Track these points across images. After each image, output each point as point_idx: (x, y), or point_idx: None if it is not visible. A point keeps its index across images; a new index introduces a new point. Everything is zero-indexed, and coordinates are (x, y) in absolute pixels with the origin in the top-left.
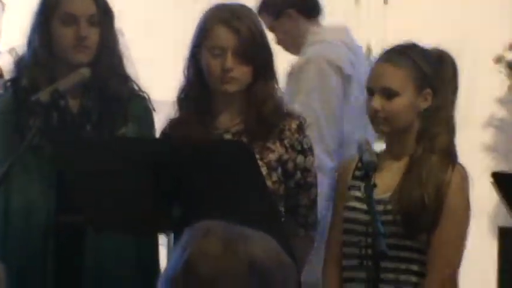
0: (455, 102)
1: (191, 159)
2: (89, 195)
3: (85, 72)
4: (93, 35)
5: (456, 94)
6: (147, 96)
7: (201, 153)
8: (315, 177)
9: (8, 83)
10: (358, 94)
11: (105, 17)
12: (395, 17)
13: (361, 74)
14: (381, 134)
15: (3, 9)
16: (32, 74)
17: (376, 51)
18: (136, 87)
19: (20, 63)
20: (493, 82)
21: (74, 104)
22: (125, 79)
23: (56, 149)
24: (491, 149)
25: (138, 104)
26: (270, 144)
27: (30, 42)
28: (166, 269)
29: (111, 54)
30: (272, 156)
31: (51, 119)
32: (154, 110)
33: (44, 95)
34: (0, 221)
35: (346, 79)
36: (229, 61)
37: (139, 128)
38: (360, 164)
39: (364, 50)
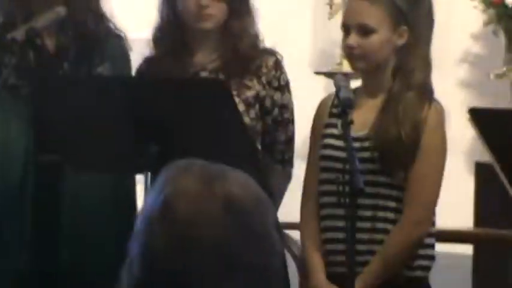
0: (431, 38)
1: (168, 97)
2: (66, 134)
3: (61, 10)
4: None
5: (432, 30)
6: (123, 35)
7: (177, 91)
8: (292, 113)
9: None
10: None
11: None
12: None
13: None
14: (357, 71)
15: None
16: (7, 12)
17: None
18: (112, 26)
19: None
20: (468, 18)
21: (50, 43)
22: (101, 18)
23: (33, 88)
24: (467, 84)
25: (115, 43)
26: (247, 81)
27: None
28: (143, 208)
29: None
30: (249, 93)
31: (27, 57)
32: (131, 50)
33: (19, 33)
34: None
35: None
36: None
37: (116, 67)
38: (336, 101)
39: None
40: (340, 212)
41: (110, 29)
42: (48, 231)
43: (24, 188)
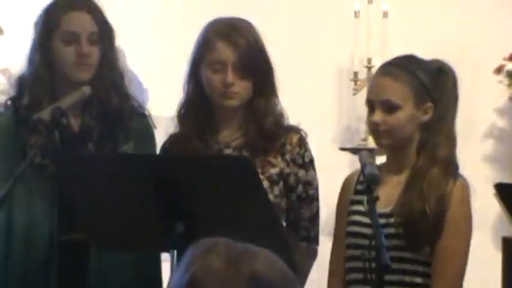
0: (455, 113)
1: (193, 175)
2: (91, 213)
3: (86, 90)
4: (94, 53)
5: (456, 105)
6: (147, 113)
7: (202, 168)
8: (316, 190)
9: (9, 102)
10: None
11: (105, 35)
12: (395, 30)
13: None
14: (382, 148)
15: (1, 34)
16: (33, 92)
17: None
18: (136, 104)
19: (21, 82)
20: (493, 92)
21: (75, 122)
22: (126, 96)
23: (59, 167)
24: (492, 159)
25: (139, 122)
26: (271, 159)
27: (30, 61)
28: (169, 286)
29: (112, 72)
30: (273, 171)
31: (52, 138)
32: (155, 127)
33: (45, 114)
34: (2, 241)
35: None
36: (230, 76)
37: (140, 145)
38: (361, 178)
39: (365, 63)
40: None
41: (133, 107)
42: None
43: (50, 267)
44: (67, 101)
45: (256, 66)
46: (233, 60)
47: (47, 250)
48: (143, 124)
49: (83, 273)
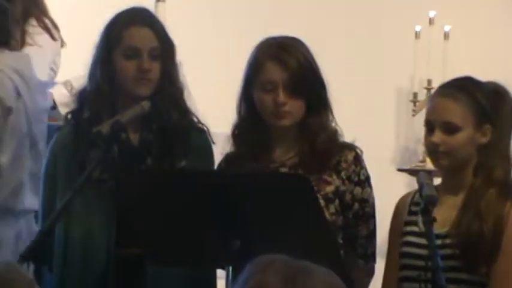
0: (510, 136)
1: (250, 192)
2: (148, 228)
3: (145, 105)
4: (154, 68)
5: (511, 128)
6: (206, 129)
7: (260, 186)
8: (373, 207)
9: (69, 115)
10: (22, 126)
11: (166, 50)
12: (456, 51)
13: (29, 106)
14: (440, 168)
15: (62, 46)
16: (94, 106)
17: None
18: (195, 120)
19: (82, 95)
20: None
21: (134, 137)
22: (185, 112)
23: (118, 182)
24: None
25: (198, 137)
26: (326, 177)
27: (92, 75)
28: None
29: (172, 87)
30: (329, 189)
31: (112, 152)
32: (213, 143)
33: (104, 127)
34: (60, 254)
35: (6, 111)
36: (281, 96)
37: (199, 160)
38: (416, 199)
39: (425, 84)
40: None
41: (193, 123)
42: None
43: (107, 281)
44: (126, 115)
45: (307, 85)
46: (283, 80)
47: (103, 264)
48: (202, 140)
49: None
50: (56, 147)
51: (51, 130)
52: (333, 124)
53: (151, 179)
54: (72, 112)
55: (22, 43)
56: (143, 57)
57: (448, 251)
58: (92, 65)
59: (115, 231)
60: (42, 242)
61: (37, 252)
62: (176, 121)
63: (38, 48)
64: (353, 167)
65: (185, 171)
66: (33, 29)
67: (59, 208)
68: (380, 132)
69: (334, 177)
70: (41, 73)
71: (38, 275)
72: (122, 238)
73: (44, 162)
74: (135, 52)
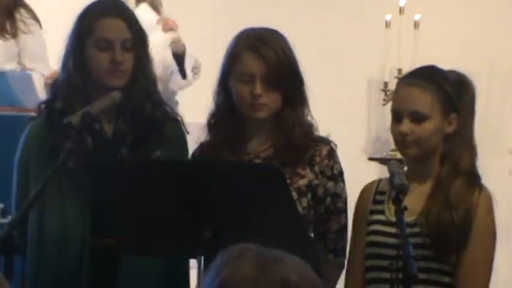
0: (473, 124)
1: (223, 182)
2: (121, 218)
3: (116, 95)
4: (127, 60)
5: (474, 117)
6: (180, 119)
7: (233, 175)
8: (345, 203)
9: (43, 105)
10: None
11: (139, 41)
12: (426, 40)
13: None
14: (408, 158)
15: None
16: (67, 97)
17: None
18: (169, 110)
19: (55, 86)
20: None
21: (108, 128)
22: (159, 102)
23: (93, 173)
24: None
25: (172, 127)
26: (300, 170)
27: (64, 66)
28: None
29: (145, 78)
30: (302, 182)
31: (85, 143)
32: (187, 133)
33: (75, 118)
34: (34, 244)
35: None
36: (258, 88)
37: (173, 151)
38: (380, 188)
39: (395, 73)
40: None
41: (167, 113)
42: None
43: (81, 271)
44: (97, 106)
45: (285, 78)
46: (261, 72)
47: (78, 254)
48: (176, 130)
49: (114, 278)
50: (28, 137)
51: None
52: (309, 118)
53: (123, 169)
54: (45, 102)
55: (15, 31)
56: (116, 49)
57: (417, 240)
58: (64, 55)
59: (89, 222)
60: (12, 233)
61: (7, 244)
62: (150, 112)
63: (33, 36)
64: (326, 161)
65: (157, 161)
66: (24, 17)
67: (29, 199)
68: (351, 121)
69: (308, 170)
70: (43, 58)
71: (9, 267)
72: (97, 228)
73: (17, 151)
74: (108, 44)
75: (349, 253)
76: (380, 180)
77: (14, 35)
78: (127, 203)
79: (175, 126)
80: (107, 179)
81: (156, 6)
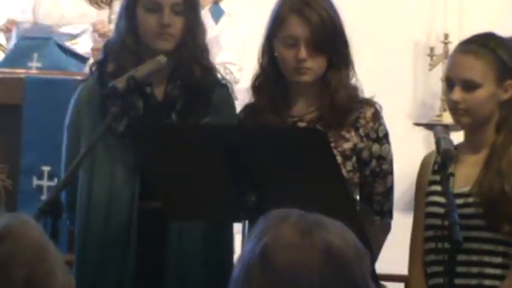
0: None
1: (267, 146)
2: (167, 183)
3: (161, 59)
4: (177, 24)
5: None
6: (229, 86)
7: (276, 139)
8: (391, 164)
9: (94, 67)
10: None
11: (189, 6)
12: (473, 5)
13: None
14: (461, 126)
15: None
16: (118, 59)
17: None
18: (219, 76)
19: (107, 48)
20: None
21: (158, 92)
22: (208, 68)
23: (140, 137)
24: None
25: (221, 94)
26: (344, 133)
27: (116, 27)
28: (241, 257)
29: (194, 44)
30: (347, 145)
31: (135, 106)
32: (236, 99)
33: (120, 82)
34: (83, 207)
35: None
36: (303, 52)
37: (222, 117)
38: (439, 158)
39: (442, 38)
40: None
41: (216, 79)
42: (150, 275)
43: (129, 234)
44: (142, 70)
45: (330, 42)
46: (306, 36)
47: (127, 218)
48: (225, 96)
49: (161, 241)
50: (80, 99)
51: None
52: (354, 80)
53: (169, 134)
54: (97, 64)
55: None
56: (164, 11)
57: (470, 210)
58: (117, 16)
59: (139, 185)
60: (59, 195)
61: (54, 206)
62: (199, 78)
63: None
64: (371, 123)
65: (202, 125)
66: None
67: (76, 161)
68: (397, 86)
69: (353, 133)
70: None
71: (56, 229)
72: (145, 192)
73: (68, 114)
74: (157, 6)
75: (412, 225)
76: None
77: (109, 4)
78: (174, 167)
79: (223, 93)
80: (154, 144)
81: None
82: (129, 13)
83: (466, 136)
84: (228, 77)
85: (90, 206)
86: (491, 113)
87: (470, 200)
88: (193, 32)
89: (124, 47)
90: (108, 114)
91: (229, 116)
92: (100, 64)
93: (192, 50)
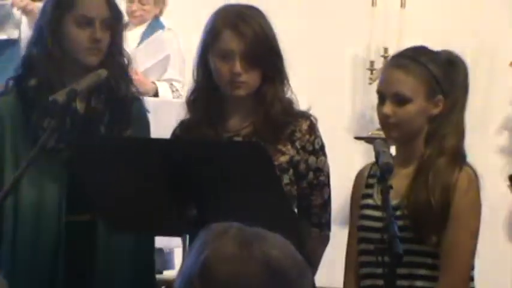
0: (465, 105)
1: (206, 159)
2: (105, 195)
3: (102, 73)
4: (105, 38)
5: (466, 96)
6: (142, 98)
7: (215, 153)
8: (327, 176)
9: (10, 82)
10: None
11: (116, 20)
12: (412, 19)
13: None
14: (391, 140)
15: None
16: (44, 73)
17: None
18: (135, 90)
19: (27, 62)
20: (509, 85)
21: (80, 106)
22: (130, 82)
23: (75, 150)
24: (508, 151)
25: (138, 107)
26: (280, 147)
27: (39, 40)
28: (182, 271)
29: (121, 58)
30: (283, 159)
31: (64, 121)
32: (148, 112)
33: (61, 96)
34: (10, 220)
35: None
36: (238, 66)
37: (139, 130)
38: (372, 171)
39: (381, 52)
40: (380, 282)
41: (133, 93)
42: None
43: (58, 247)
44: (83, 84)
45: (264, 56)
46: (240, 50)
47: (55, 230)
48: (141, 109)
49: (90, 253)
50: (0, 114)
51: None
52: (289, 93)
53: (108, 146)
54: (16, 78)
55: None
56: (96, 26)
57: (400, 223)
58: (38, 28)
59: (66, 198)
60: None
61: None
62: (124, 90)
63: None
64: (307, 136)
65: (142, 138)
66: None
67: (13, 179)
68: (337, 100)
69: (289, 147)
70: None
71: None
72: (73, 205)
73: None
74: (88, 21)
75: (347, 238)
76: (373, 163)
77: None
78: (110, 180)
79: (140, 106)
80: (90, 156)
81: None
82: (55, 27)
83: (397, 150)
84: (174, 94)
85: (16, 219)
86: (421, 127)
87: (399, 212)
88: (119, 46)
89: (50, 60)
90: (41, 128)
91: (146, 128)
92: (19, 78)
93: (119, 64)
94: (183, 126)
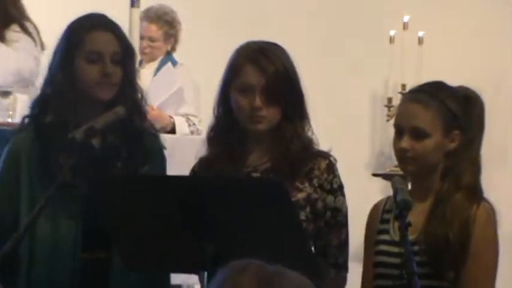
0: (481, 140)
1: (224, 196)
2: (121, 232)
3: (119, 110)
4: (117, 72)
5: (483, 132)
6: (158, 135)
7: (234, 190)
8: (345, 216)
9: (26, 120)
10: None
11: (127, 55)
12: (430, 56)
13: None
14: (408, 174)
15: (43, 49)
16: (58, 111)
17: None
18: (149, 125)
19: (43, 100)
20: None
21: (95, 142)
22: (145, 116)
23: (91, 187)
24: None
25: (154, 142)
26: (298, 184)
27: (52, 79)
28: None
29: (134, 92)
30: (300, 195)
31: (83, 158)
32: (165, 148)
33: (79, 133)
34: (25, 256)
35: None
36: (258, 100)
37: (156, 165)
38: (388, 206)
39: (399, 89)
40: None
41: (149, 128)
42: None
43: (72, 284)
44: (101, 121)
45: (285, 93)
46: (261, 84)
47: (70, 268)
48: (156, 144)
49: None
50: (16, 150)
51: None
52: (310, 133)
53: (125, 184)
54: (32, 116)
55: None
56: (106, 61)
57: (417, 258)
58: (51, 69)
59: (81, 235)
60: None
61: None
62: (139, 126)
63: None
64: (325, 175)
65: (159, 176)
66: (15, 34)
67: (31, 216)
68: (355, 137)
69: (306, 184)
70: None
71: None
72: (88, 242)
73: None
74: (98, 56)
75: (362, 273)
76: (388, 198)
77: None
78: (125, 218)
79: (154, 141)
80: (105, 193)
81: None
82: (66, 65)
83: (413, 184)
84: (191, 128)
85: (32, 255)
86: (438, 162)
87: (416, 248)
88: (132, 79)
89: (63, 99)
90: (60, 165)
91: (162, 164)
92: (35, 116)
93: (133, 98)
94: (202, 163)
